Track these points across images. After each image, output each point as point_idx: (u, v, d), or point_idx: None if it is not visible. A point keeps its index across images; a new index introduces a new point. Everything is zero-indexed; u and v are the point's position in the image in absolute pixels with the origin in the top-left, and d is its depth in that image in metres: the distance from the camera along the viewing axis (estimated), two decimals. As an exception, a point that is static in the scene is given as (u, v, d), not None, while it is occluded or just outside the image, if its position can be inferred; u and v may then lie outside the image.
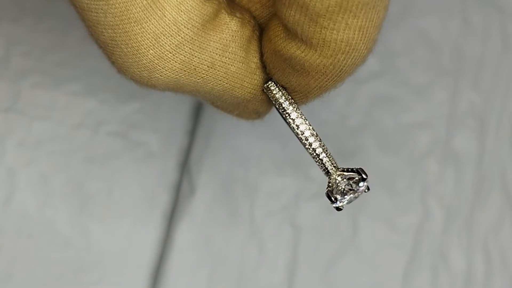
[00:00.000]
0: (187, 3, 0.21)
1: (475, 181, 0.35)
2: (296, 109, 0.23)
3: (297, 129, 0.23)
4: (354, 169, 0.23)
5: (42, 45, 0.34)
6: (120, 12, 0.20)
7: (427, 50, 0.36)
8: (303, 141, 0.23)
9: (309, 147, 0.23)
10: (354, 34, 0.20)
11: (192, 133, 0.35)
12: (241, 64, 0.23)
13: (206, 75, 0.22)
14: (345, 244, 0.34)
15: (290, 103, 0.23)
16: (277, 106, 0.23)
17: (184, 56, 0.21)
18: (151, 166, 0.34)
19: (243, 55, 0.23)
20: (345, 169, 0.23)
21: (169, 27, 0.21)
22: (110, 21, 0.20)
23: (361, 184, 0.23)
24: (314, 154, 0.23)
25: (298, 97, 0.23)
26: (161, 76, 0.21)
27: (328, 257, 0.34)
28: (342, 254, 0.34)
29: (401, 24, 0.36)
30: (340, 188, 0.23)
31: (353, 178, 0.23)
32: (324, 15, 0.20)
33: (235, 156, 0.34)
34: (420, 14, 0.36)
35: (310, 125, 0.23)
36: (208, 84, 0.22)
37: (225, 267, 0.33)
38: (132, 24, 0.20)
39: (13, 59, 0.34)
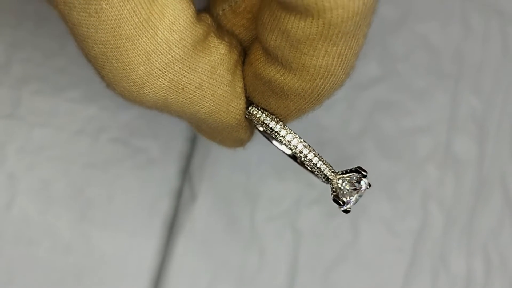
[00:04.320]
0: (179, 23, 0.21)
1: (475, 185, 0.35)
2: (283, 126, 0.23)
3: (290, 144, 0.23)
4: (352, 169, 0.23)
5: (43, 51, 0.34)
6: (112, 28, 0.20)
7: (428, 54, 0.36)
8: (298, 155, 0.23)
9: (305, 159, 0.23)
10: (333, 61, 0.21)
11: (193, 140, 0.35)
12: (227, 87, 0.23)
13: (194, 95, 0.22)
14: (346, 248, 0.34)
15: (276, 122, 0.23)
16: (263, 128, 0.23)
17: (173, 75, 0.21)
18: (151, 173, 0.34)
19: (230, 79, 0.23)
20: (343, 172, 0.23)
21: (161, 45, 0.21)
22: (101, 37, 0.20)
23: (362, 182, 0.23)
24: (311, 164, 0.23)
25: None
26: (149, 92, 0.21)
27: (328, 261, 0.34)
28: (343, 259, 0.34)
29: (401, 29, 0.36)
30: (344, 191, 0.23)
31: (353, 178, 0.23)
32: (305, 42, 0.20)
33: (236, 162, 0.34)
34: (420, 18, 0.36)
35: (301, 137, 0.23)
36: (195, 106, 0.23)
37: (226, 273, 0.33)
38: (123, 41, 0.20)
39: (14, 65, 0.34)
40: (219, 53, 0.22)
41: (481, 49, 0.36)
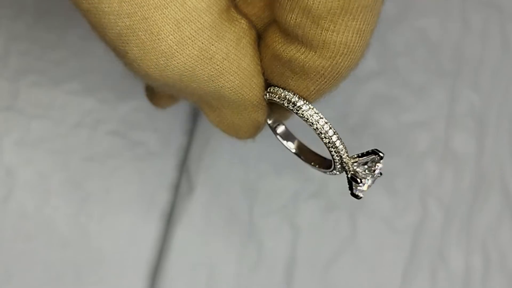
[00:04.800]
0: None
1: (474, 181, 0.35)
2: (306, 101, 0.23)
3: (311, 118, 0.23)
4: (369, 151, 0.23)
5: (41, 44, 0.34)
6: None
7: (427, 50, 0.36)
8: (318, 131, 0.23)
9: (325, 135, 0.23)
10: (353, 36, 0.21)
11: (191, 133, 0.35)
12: (251, 61, 0.23)
13: (221, 66, 0.22)
14: (344, 244, 0.34)
15: (298, 97, 0.23)
16: (286, 104, 0.23)
17: (202, 43, 0.21)
18: (150, 166, 0.34)
19: (252, 53, 0.23)
20: (359, 155, 0.23)
21: (190, 13, 0.21)
22: (126, 9, 0.20)
23: (377, 165, 0.23)
24: (331, 142, 0.23)
25: None
26: (178, 63, 0.21)
27: (327, 257, 0.34)
28: (341, 254, 0.34)
29: (401, 25, 0.36)
30: (359, 173, 0.23)
31: (369, 161, 0.23)
32: (326, 17, 0.21)
33: (234, 156, 0.34)
34: (420, 14, 0.36)
35: (322, 115, 0.23)
36: (221, 79, 0.22)
37: (223, 267, 0.33)
38: (152, 10, 0.20)
39: (12, 57, 0.34)
40: (242, 27, 0.22)
41: (480, 45, 0.36)
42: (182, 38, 0.21)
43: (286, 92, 0.23)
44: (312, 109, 0.23)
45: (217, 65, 0.22)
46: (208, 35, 0.21)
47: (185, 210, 0.34)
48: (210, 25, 0.21)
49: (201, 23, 0.21)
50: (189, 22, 0.21)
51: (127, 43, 0.21)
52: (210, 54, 0.22)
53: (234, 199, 0.34)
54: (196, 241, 0.33)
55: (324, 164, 0.25)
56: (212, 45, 0.22)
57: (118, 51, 0.22)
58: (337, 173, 0.24)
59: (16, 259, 0.33)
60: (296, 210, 0.34)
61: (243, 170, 0.34)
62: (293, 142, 0.26)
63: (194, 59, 0.22)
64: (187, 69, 0.22)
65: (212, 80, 0.22)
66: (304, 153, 0.26)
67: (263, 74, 0.24)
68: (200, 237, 0.34)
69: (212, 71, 0.22)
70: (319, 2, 0.20)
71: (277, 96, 0.23)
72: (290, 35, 0.22)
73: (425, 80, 0.36)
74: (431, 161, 0.35)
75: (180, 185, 0.34)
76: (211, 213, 0.34)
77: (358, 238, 0.34)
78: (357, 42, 0.22)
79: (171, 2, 0.20)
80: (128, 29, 0.21)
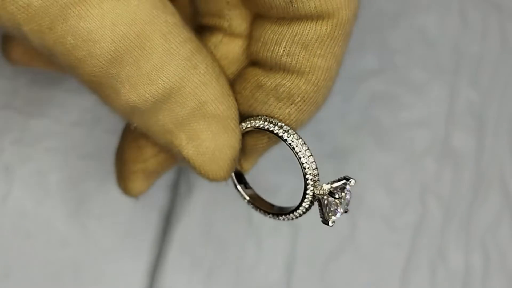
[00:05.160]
0: None
1: (474, 179, 0.35)
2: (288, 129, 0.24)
3: (296, 142, 0.24)
4: (340, 178, 0.24)
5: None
6: None
7: (426, 48, 0.36)
8: (301, 155, 0.24)
9: (307, 160, 0.24)
10: (333, 62, 0.23)
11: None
12: (225, 79, 0.25)
13: (205, 77, 0.24)
14: (344, 242, 0.34)
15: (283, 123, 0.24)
16: (271, 128, 0.24)
17: (187, 54, 0.23)
18: (148, 164, 0.34)
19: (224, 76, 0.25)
20: (330, 182, 0.24)
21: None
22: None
23: (348, 192, 0.23)
24: (311, 169, 0.24)
25: None
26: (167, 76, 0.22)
27: (326, 255, 0.34)
28: (340, 252, 0.34)
29: (399, 22, 0.36)
30: (332, 203, 0.24)
31: (338, 190, 0.24)
32: (314, 44, 0.23)
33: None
34: (418, 12, 0.36)
35: (304, 141, 0.24)
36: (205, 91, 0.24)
37: (223, 265, 0.33)
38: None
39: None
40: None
41: (479, 43, 0.36)
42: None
43: (271, 118, 0.24)
44: (297, 133, 0.24)
45: (201, 76, 0.23)
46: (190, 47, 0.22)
47: (184, 209, 0.34)
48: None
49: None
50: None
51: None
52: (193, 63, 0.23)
53: (233, 198, 0.34)
54: (195, 240, 0.33)
55: (275, 211, 0.26)
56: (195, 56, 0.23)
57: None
58: (294, 217, 0.25)
59: (15, 257, 0.32)
60: (295, 208, 0.34)
61: (242, 168, 0.34)
62: (248, 191, 0.27)
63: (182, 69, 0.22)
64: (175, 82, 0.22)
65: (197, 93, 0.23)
66: (258, 201, 0.27)
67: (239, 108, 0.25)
68: (199, 236, 0.33)
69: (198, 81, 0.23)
70: (309, 30, 0.22)
71: (260, 122, 0.24)
72: (273, 67, 0.23)
73: (424, 78, 0.36)
74: (431, 159, 0.35)
75: (179, 185, 0.34)
76: (210, 212, 0.34)
77: (357, 237, 0.34)
78: (336, 67, 0.24)
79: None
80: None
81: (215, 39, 0.25)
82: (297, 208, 0.25)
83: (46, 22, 0.20)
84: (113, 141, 0.33)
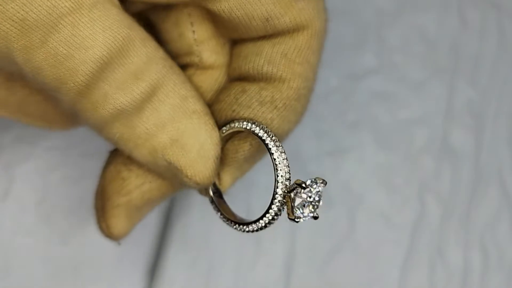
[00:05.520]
0: None
1: (472, 177, 0.35)
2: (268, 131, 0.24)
3: (274, 143, 0.24)
4: (312, 180, 0.24)
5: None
6: None
7: (424, 46, 0.36)
8: (276, 154, 0.24)
9: (282, 161, 0.24)
10: (311, 69, 0.25)
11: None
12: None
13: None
14: (343, 239, 0.34)
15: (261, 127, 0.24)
16: (254, 128, 0.24)
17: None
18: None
19: None
20: (300, 184, 0.24)
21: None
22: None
23: (318, 193, 0.23)
24: (283, 168, 0.24)
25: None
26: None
27: (325, 252, 0.34)
28: (340, 250, 0.34)
29: (398, 21, 0.36)
30: (299, 204, 0.24)
31: (309, 190, 0.24)
32: (292, 53, 0.24)
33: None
34: (417, 10, 0.36)
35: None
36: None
37: (222, 263, 0.33)
38: None
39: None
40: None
41: (478, 41, 0.36)
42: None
43: (254, 120, 0.24)
44: (278, 140, 0.24)
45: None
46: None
47: (184, 206, 0.34)
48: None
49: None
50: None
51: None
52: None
53: (232, 196, 0.34)
54: (195, 238, 0.33)
55: (238, 220, 0.26)
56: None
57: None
58: (261, 226, 0.25)
59: (15, 255, 0.33)
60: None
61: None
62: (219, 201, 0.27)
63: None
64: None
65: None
66: (224, 209, 0.27)
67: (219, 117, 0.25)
68: (198, 234, 0.33)
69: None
70: (287, 40, 0.24)
71: (244, 123, 0.24)
72: (256, 77, 0.24)
73: (422, 76, 0.36)
74: (429, 157, 0.35)
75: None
76: (209, 210, 0.34)
77: (356, 234, 0.34)
78: (313, 78, 0.25)
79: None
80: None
81: (188, 72, 0.26)
82: (265, 214, 0.24)
83: (38, 36, 0.21)
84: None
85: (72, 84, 0.21)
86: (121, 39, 0.21)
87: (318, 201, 0.23)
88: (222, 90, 0.26)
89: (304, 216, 0.23)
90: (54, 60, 0.21)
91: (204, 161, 0.24)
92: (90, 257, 0.33)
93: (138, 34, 0.22)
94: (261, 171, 0.34)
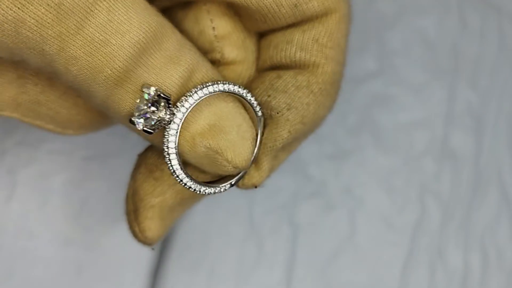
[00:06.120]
0: None
1: (472, 179, 0.35)
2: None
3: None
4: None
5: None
6: None
7: (425, 49, 0.36)
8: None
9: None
10: (340, 52, 0.25)
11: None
12: None
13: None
14: (343, 242, 0.34)
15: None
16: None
17: None
18: (150, 165, 0.34)
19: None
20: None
21: None
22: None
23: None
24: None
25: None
26: None
27: (326, 255, 0.34)
28: (340, 252, 0.34)
29: (398, 24, 0.36)
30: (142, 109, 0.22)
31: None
32: (324, 37, 0.24)
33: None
34: (417, 13, 0.36)
35: None
36: None
37: (224, 265, 0.33)
38: None
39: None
40: None
41: (478, 44, 0.36)
42: None
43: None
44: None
45: None
46: None
47: (186, 211, 0.34)
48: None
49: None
50: None
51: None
52: None
53: (234, 198, 0.34)
54: (196, 240, 0.33)
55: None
56: None
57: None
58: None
59: (18, 258, 0.33)
60: (295, 208, 0.34)
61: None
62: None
63: None
64: None
65: None
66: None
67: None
68: (200, 236, 0.34)
69: None
70: (318, 25, 0.24)
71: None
72: (289, 66, 0.24)
73: (423, 79, 0.36)
74: (430, 159, 0.35)
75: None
76: (211, 212, 0.34)
77: (357, 236, 0.34)
78: (343, 62, 0.25)
79: None
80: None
81: None
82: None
83: (74, 21, 0.20)
84: (116, 143, 0.34)
85: (110, 72, 0.21)
86: (155, 24, 0.21)
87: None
88: (254, 80, 0.25)
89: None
90: (91, 47, 0.20)
91: (243, 142, 0.23)
92: (93, 260, 0.33)
93: (167, 21, 0.22)
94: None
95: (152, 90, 0.21)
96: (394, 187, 0.34)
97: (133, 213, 0.25)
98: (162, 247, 0.34)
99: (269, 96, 0.24)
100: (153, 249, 0.26)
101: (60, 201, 0.33)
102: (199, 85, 0.22)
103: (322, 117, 0.25)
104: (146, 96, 0.21)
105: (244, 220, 0.34)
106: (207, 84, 0.22)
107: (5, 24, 0.19)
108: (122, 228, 0.33)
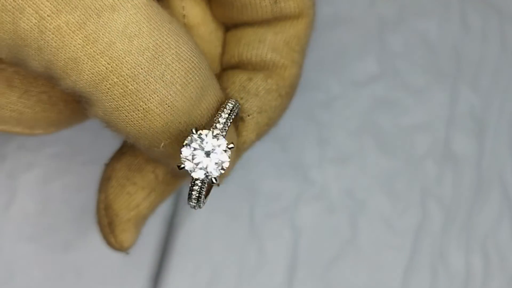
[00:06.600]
0: None
1: (474, 182, 0.35)
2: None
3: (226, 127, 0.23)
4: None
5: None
6: None
7: (426, 52, 0.36)
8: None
9: None
10: (302, 60, 0.26)
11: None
12: None
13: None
14: (345, 245, 0.34)
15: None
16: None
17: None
18: (151, 169, 0.34)
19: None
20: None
21: None
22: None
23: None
24: None
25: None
26: None
27: (327, 258, 0.34)
28: (342, 256, 0.34)
29: (400, 27, 0.36)
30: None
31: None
32: (292, 41, 0.25)
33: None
34: (418, 16, 0.36)
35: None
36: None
37: (225, 269, 0.33)
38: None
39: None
40: None
41: (480, 46, 0.36)
42: None
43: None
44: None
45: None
46: None
47: (187, 213, 0.34)
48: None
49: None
50: None
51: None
52: None
53: (235, 202, 0.34)
54: (198, 245, 0.34)
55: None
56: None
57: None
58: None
59: (18, 262, 0.33)
60: (297, 212, 0.34)
61: (244, 172, 0.34)
62: None
63: None
64: None
65: None
66: None
67: None
68: (201, 239, 0.34)
69: None
70: (289, 27, 0.25)
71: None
72: (258, 65, 0.25)
73: (424, 82, 0.36)
74: (431, 162, 0.35)
75: (181, 188, 0.34)
76: (212, 216, 0.34)
77: (358, 240, 0.34)
78: (302, 66, 0.26)
79: None
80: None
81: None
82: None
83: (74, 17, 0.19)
84: (116, 148, 0.33)
85: (114, 73, 0.20)
86: (167, 23, 0.21)
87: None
88: (221, 78, 0.25)
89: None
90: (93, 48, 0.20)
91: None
92: (93, 264, 0.33)
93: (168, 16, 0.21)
94: (264, 177, 0.34)
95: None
96: (395, 190, 0.34)
97: (108, 226, 0.25)
98: (163, 251, 0.34)
99: (241, 98, 0.24)
100: (128, 253, 0.26)
101: (59, 206, 0.33)
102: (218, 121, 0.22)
103: (281, 117, 0.26)
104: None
105: (245, 223, 0.34)
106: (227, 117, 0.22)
107: (3, 14, 0.19)
108: (123, 233, 0.33)
